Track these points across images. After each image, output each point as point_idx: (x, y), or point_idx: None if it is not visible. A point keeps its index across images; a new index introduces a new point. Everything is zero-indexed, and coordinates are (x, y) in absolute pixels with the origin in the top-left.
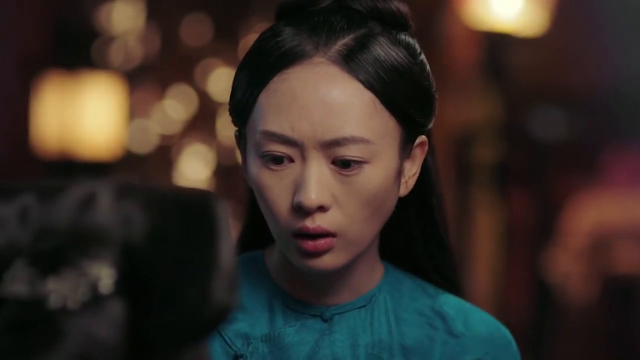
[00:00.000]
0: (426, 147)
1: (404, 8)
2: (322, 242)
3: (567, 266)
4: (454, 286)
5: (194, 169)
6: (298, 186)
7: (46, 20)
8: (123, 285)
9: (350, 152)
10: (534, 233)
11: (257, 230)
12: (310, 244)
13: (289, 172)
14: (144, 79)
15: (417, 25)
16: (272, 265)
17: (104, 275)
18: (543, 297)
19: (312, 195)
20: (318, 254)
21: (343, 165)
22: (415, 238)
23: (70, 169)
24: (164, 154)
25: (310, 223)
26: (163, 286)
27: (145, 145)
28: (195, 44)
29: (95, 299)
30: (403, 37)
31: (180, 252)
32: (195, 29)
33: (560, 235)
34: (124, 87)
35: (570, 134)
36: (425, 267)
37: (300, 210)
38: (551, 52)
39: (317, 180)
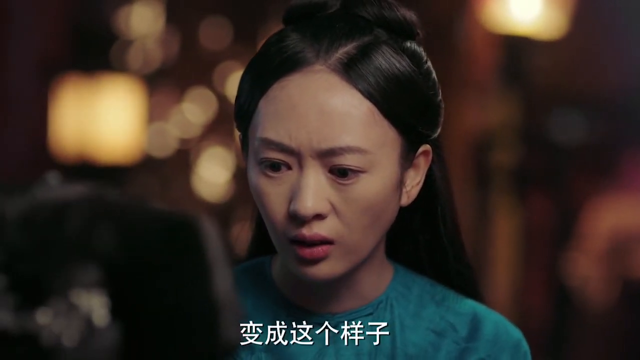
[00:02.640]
0: (430, 157)
1: (411, 16)
2: (318, 250)
3: (586, 270)
4: (465, 294)
5: (213, 172)
6: (294, 194)
7: (65, 23)
8: (117, 312)
9: (347, 161)
10: (553, 236)
11: (267, 234)
12: (306, 251)
13: (286, 179)
14: (163, 82)
15: (432, 30)
16: (276, 272)
17: (96, 305)
18: (562, 300)
19: (309, 203)
20: (314, 261)
21: (340, 174)
22: (420, 247)
23: (89, 172)
24: (183, 158)
25: (307, 230)
26: (158, 317)
27: (164, 148)
28: (214, 47)
29: (90, 333)
30: (408, 45)
31: (169, 278)
32: (214, 32)
33: (579, 239)
34: (142, 90)
35: (589, 138)
36: (432, 275)
37: (296, 219)
38: (570, 54)
39: (314, 189)
